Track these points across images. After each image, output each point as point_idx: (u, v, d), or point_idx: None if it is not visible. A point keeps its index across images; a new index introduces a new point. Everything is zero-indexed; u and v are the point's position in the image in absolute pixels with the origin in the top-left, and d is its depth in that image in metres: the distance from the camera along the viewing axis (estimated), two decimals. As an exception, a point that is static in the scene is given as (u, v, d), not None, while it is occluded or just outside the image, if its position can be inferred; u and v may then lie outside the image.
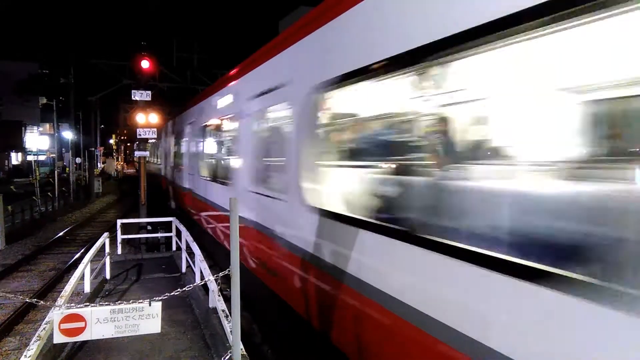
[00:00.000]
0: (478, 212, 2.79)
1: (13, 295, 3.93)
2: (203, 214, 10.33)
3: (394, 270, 3.19)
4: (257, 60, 6.61)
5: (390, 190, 3.53)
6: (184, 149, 13.57)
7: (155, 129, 12.95)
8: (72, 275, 6.52)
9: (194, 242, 8.17)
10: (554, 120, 2.53)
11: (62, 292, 5.58)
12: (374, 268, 3.44)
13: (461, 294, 2.55)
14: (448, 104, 2.87)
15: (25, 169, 47.90)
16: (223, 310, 5.21)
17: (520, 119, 2.74)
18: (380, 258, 3.37)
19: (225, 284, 8.00)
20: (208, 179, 9.85)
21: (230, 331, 3.87)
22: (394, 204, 3.43)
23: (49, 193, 24.01)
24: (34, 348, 3.99)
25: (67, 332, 3.29)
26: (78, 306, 3.37)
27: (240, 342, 3.74)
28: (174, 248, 10.92)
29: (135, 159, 48.37)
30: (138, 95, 12.63)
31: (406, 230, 2.96)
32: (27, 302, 7.82)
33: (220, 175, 8.87)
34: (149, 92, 12.82)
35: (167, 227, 11.34)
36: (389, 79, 3.32)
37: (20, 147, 51.10)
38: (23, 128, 51.03)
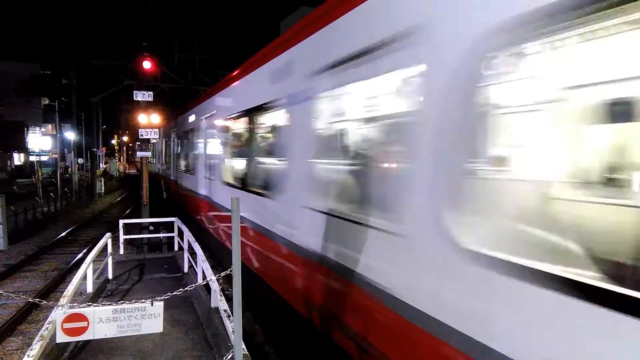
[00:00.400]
0: (262, 178, 6.67)
1: (16, 295, 3.94)
2: (180, 195, 15.11)
3: (245, 202, 6.27)
4: (202, 98, 12.16)
5: (245, 172, 7.56)
6: (170, 150, 18.28)
7: (157, 130, 12.98)
8: (74, 275, 6.54)
9: (196, 242, 8.19)
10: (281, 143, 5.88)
11: (65, 292, 5.60)
12: (243, 205, 7.31)
13: (257, 204, 6.33)
14: (259, 133, 7.06)
15: (27, 169, 48.00)
16: (225, 310, 5.22)
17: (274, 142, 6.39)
18: (242, 200, 6.88)
19: (227, 283, 8.02)
20: (183, 171, 14.67)
21: (232, 331, 3.88)
22: (244, 177, 7.54)
23: (51, 194, 24.07)
24: (36, 348, 4.00)
25: (69, 332, 3.31)
26: (81, 306, 3.38)
27: (242, 342, 3.75)
28: (176, 248, 10.94)
29: (137, 159, 48.53)
30: (140, 96, 12.65)
31: (245, 187, 7.26)
32: (30, 301, 7.86)
33: (190, 168, 13.39)
34: (151, 92, 12.85)
35: (169, 227, 11.36)
36: (243, 117, 7.58)
37: (22, 148, 51.21)
38: (25, 129, 51.12)
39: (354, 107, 4.13)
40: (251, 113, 6.99)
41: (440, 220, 2.63)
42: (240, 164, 7.97)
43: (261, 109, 6.43)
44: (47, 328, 4.38)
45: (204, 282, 5.99)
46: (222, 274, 3.87)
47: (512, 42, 2.31)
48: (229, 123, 8.54)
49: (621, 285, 1.77)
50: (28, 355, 3.90)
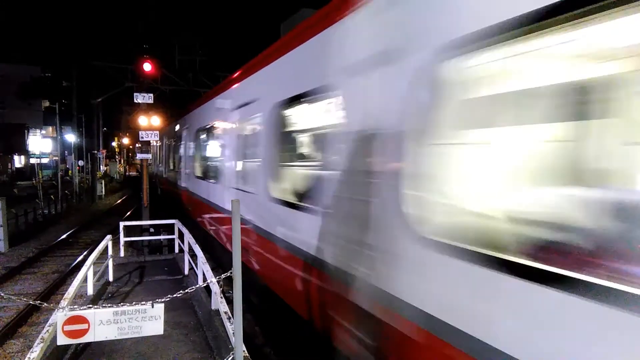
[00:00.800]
0: (210, 171, 10.24)
1: (17, 298, 3.93)
2: (170, 189, 18.66)
3: (203, 186, 10.90)
4: (178, 117, 16.71)
5: (204, 168, 11.22)
6: (162, 153, 22.48)
7: (157, 132, 13.01)
8: (75, 277, 6.54)
9: (197, 244, 8.18)
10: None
11: (66, 294, 5.60)
12: (205, 191, 10.61)
13: (209, 187, 10.08)
14: (208, 143, 10.90)
15: (28, 171, 48.02)
16: (225, 312, 5.22)
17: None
18: (200, 186, 11.24)
19: (227, 285, 8.01)
20: (170, 168, 18.62)
21: (233, 333, 3.88)
22: (204, 171, 11.15)
23: (51, 196, 24.08)
24: (37, 350, 4.00)
25: (70, 334, 3.31)
26: (81, 308, 3.39)
27: (243, 344, 3.75)
28: (176, 250, 10.94)
29: (137, 161, 48.58)
30: (140, 98, 12.67)
31: (203, 177, 10.97)
32: (30, 304, 7.86)
33: (175, 167, 17.08)
34: (151, 94, 12.87)
35: (169, 229, 11.37)
36: (202, 132, 11.45)
37: (23, 150, 51.18)
38: (26, 131, 51.14)
39: (244, 132, 7.45)
40: (204, 130, 11.10)
41: (266, 186, 5.83)
42: (202, 163, 11.82)
43: (208, 128, 10.60)
44: (47, 330, 4.38)
45: (205, 285, 5.99)
46: (223, 276, 3.87)
47: (284, 107, 5.33)
48: (194, 135, 12.44)
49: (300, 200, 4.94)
50: (29, 357, 3.90)
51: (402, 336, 2.93)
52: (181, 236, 9.80)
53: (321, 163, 4.62)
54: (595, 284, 1.81)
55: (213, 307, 6.50)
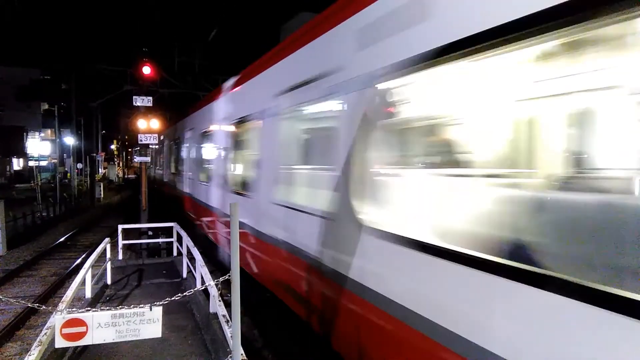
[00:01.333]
0: (180, 167, 15.56)
1: (15, 301, 3.93)
2: (159, 185, 22.42)
3: (178, 178, 15.94)
4: (166, 127, 21.03)
5: (176, 166, 16.72)
6: (152, 155, 26.29)
7: (156, 135, 13.03)
8: (73, 280, 6.54)
9: (195, 247, 8.19)
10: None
11: (64, 297, 5.59)
12: (175, 180, 16.78)
13: (179, 178, 15.66)
14: (177, 151, 16.92)
15: (26, 174, 47.97)
16: (224, 315, 5.21)
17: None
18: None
19: (226, 289, 8.01)
20: (158, 168, 23.23)
21: (231, 336, 3.88)
22: (176, 168, 16.80)
23: (50, 199, 24.06)
24: (35, 353, 4.00)
25: (68, 337, 3.31)
26: (79, 311, 3.39)
27: (241, 347, 3.75)
28: (174, 253, 10.94)
29: (135, 163, 48.55)
30: (139, 101, 12.69)
31: (176, 173, 16.92)
32: (28, 307, 7.83)
33: (160, 167, 22.05)
34: (150, 97, 12.89)
35: (168, 233, 11.36)
36: (174, 143, 17.44)
37: (21, 153, 51.20)
38: (25, 134, 51.12)
39: (188, 146, 13.02)
40: (175, 140, 16.03)
41: (199, 178, 11.54)
42: (175, 163, 16.28)
43: (176, 139, 15.51)
44: (45, 333, 4.37)
45: (203, 288, 5.99)
46: (221, 279, 3.88)
47: (202, 135, 11.26)
48: (170, 145, 17.44)
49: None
50: (26, 360, 3.89)
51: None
52: (180, 239, 9.80)
53: (211, 164, 9.79)
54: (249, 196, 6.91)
55: (211, 310, 6.49)
